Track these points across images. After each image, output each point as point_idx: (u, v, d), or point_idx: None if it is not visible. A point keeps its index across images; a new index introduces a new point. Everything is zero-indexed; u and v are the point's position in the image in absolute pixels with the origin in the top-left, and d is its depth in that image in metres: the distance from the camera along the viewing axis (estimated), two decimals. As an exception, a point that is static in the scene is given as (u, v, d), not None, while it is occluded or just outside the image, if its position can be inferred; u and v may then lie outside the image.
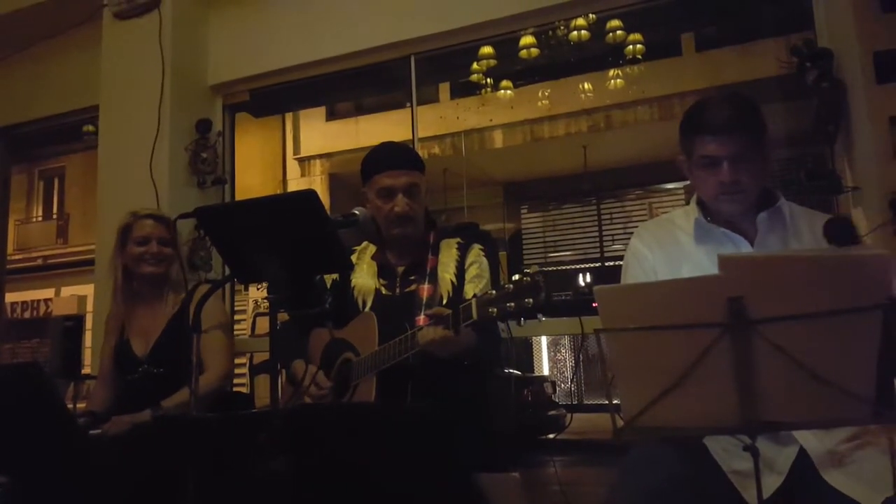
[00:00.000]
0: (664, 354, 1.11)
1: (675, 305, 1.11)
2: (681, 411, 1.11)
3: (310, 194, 1.46)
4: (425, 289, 1.92)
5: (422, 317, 1.67)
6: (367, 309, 1.97)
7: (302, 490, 1.40)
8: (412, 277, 1.97)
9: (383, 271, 2.02)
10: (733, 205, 1.55)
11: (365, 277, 2.03)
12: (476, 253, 1.99)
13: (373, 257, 2.06)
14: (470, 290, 1.91)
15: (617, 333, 1.15)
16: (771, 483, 1.34)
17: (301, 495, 1.41)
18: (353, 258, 2.08)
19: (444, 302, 1.89)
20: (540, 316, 1.49)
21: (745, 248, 1.55)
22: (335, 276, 2.06)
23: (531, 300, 1.47)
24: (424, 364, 1.72)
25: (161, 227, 2.41)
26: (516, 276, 1.51)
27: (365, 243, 2.11)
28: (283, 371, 2.08)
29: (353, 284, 2.03)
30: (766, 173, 1.57)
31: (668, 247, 1.64)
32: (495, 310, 1.52)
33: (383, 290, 1.99)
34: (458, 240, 2.02)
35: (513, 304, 1.49)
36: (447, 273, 1.96)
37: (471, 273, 1.96)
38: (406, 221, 1.95)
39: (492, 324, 1.67)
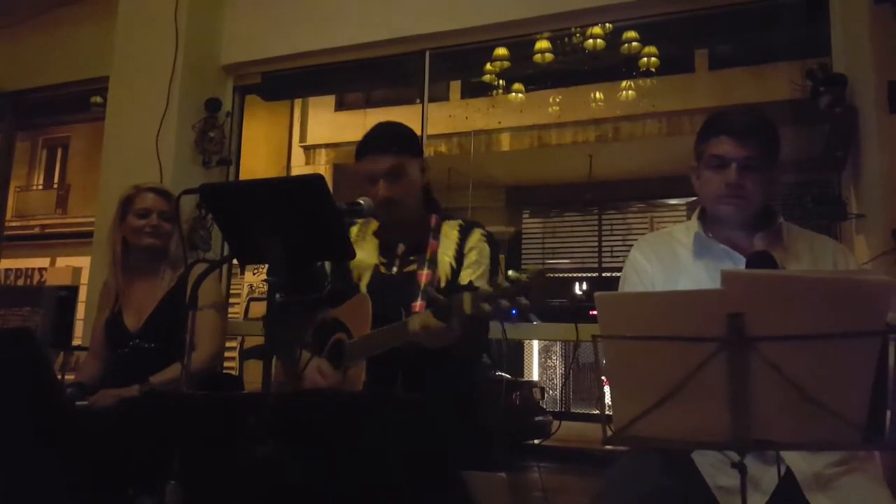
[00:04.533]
0: (660, 365, 1.11)
1: (674, 317, 1.11)
2: (672, 423, 1.11)
3: (317, 178, 1.46)
4: (424, 274, 1.87)
5: (419, 302, 1.65)
6: (363, 285, 1.93)
7: (287, 475, 1.40)
8: (412, 258, 1.93)
9: (384, 249, 1.98)
10: (732, 209, 1.56)
11: (364, 252, 1.98)
12: (477, 237, 1.92)
13: (375, 233, 2.02)
14: (466, 277, 1.84)
15: (614, 341, 1.14)
16: (755, 502, 1.34)
17: (286, 480, 1.40)
18: (355, 230, 2.03)
19: (443, 285, 1.84)
20: (534, 318, 1.47)
21: (742, 266, 1.55)
22: None
23: (527, 301, 1.44)
24: (416, 355, 1.69)
25: (163, 200, 2.40)
26: (514, 273, 1.47)
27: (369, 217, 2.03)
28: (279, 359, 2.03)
29: None
30: (769, 190, 1.57)
31: (667, 260, 1.64)
32: (489, 306, 1.48)
33: (382, 269, 1.95)
34: (460, 222, 1.96)
35: (507, 302, 1.45)
36: (446, 256, 1.90)
37: (470, 258, 1.89)
38: (389, 206, 1.87)
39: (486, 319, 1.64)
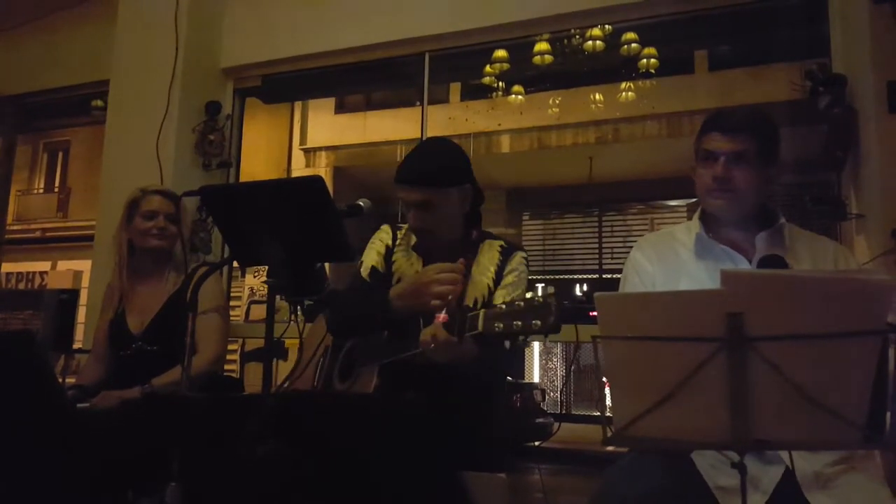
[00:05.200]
0: (660, 365, 1.11)
1: (674, 317, 1.11)
2: (672, 423, 1.11)
3: (316, 180, 1.46)
4: None
5: (443, 314, 1.63)
6: None
7: (288, 476, 1.40)
8: None
9: (423, 261, 1.94)
10: (721, 202, 1.57)
11: (408, 262, 1.95)
12: (518, 260, 1.89)
13: (414, 246, 1.97)
14: (500, 297, 1.81)
15: (614, 341, 1.14)
16: (755, 501, 1.34)
17: (287, 481, 1.40)
18: (401, 234, 2.00)
19: (479, 304, 1.81)
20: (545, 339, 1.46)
21: (743, 266, 1.55)
22: (388, 243, 1.99)
23: (539, 322, 1.42)
24: (429, 367, 1.68)
25: (169, 203, 2.41)
26: (529, 294, 1.47)
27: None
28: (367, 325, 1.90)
29: (394, 258, 1.97)
30: (763, 187, 1.58)
31: (668, 260, 1.64)
32: (501, 325, 1.47)
33: None
34: (502, 243, 1.93)
35: (520, 322, 1.44)
36: (485, 277, 1.87)
37: (507, 280, 1.86)
38: (420, 234, 1.89)
39: (498, 340, 1.63)
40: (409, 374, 1.74)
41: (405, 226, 2.01)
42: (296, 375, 1.88)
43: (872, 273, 1.32)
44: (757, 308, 1.05)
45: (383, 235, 2.03)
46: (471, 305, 1.80)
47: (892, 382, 1.12)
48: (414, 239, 1.97)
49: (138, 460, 1.77)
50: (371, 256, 1.98)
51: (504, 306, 1.49)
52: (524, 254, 1.93)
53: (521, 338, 1.46)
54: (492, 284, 1.86)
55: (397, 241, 2.00)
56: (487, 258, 1.90)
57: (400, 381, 1.76)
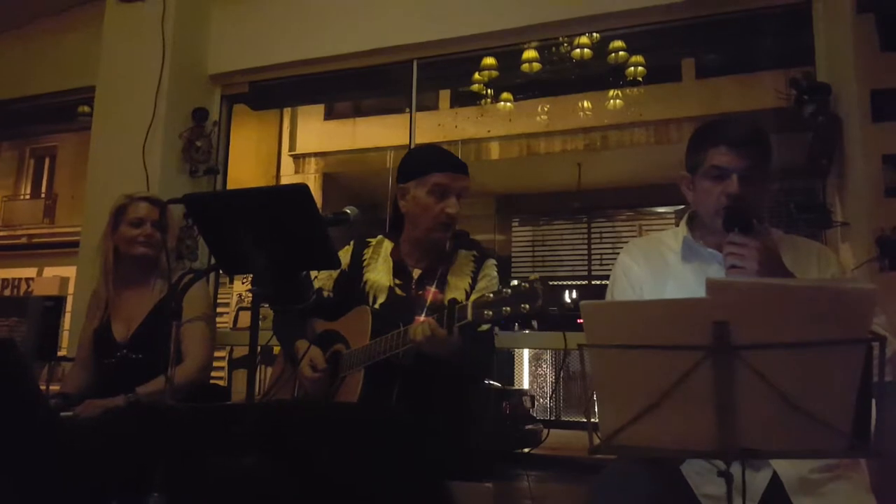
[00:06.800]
0: (646, 374, 1.11)
1: (660, 325, 1.10)
2: (659, 432, 1.11)
3: (302, 188, 1.46)
4: (432, 292, 1.90)
5: (422, 317, 1.65)
6: (377, 306, 1.93)
7: (271, 486, 1.39)
8: (426, 281, 1.95)
9: (398, 270, 1.98)
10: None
11: (380, 273, 1.99)
12: (490, 266, 1.99)
13: (390, 254, 2.02)
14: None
15: (600, 349, 1.14)
16: (742, 509, 1.34)
17: (270, 491, 1.39)
18: (368, 252, 2.04)
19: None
20: (534, 323, 1.49)
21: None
22: (343, 266, 2.02)
23: (528, 306, 1.47)
24: (413, 367, 1.70)
25: (156, 210, 2.39)
26: (515, 282, 1.51)
27: (380, 237, 2.07)
28: (283, 349, 2.07)
29: (365, 279, 1.99)
30: (764, 199, 1.59)
31: (655, 263, 1.65)
32: (490, 312, 1.51)
33: (397, 290, 1.95)
34: (475, 252, 2.01)
35: (509, 308, 1.49)
36: (463, 282, 1.94)
37: (480, 285, 1.94)
38: (451, 225, 1.93)
39: (486, 334, 1.64)
40: (395, 379, 1.74)
41: (374, 239, 2.07)
42: (280, 384, 1.87)
43: (856, 282, 1.33)
44: (742, 317, 1.04)
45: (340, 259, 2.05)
46: None
47: (876, 390, 1.12)
48: (388, 246, 2.02)
49: (121, 470, 1.75)
50: (320, 278, 2.03)
51: (492, 295, 1.54)
52: (494, 261, 2.02)
53: (514, 324, 1.49)
54: (468, 288, 1.94)
55: (365, 257, 2.03)
56: (463, 267, 1.98)
57: (386, 386, 1.76)
